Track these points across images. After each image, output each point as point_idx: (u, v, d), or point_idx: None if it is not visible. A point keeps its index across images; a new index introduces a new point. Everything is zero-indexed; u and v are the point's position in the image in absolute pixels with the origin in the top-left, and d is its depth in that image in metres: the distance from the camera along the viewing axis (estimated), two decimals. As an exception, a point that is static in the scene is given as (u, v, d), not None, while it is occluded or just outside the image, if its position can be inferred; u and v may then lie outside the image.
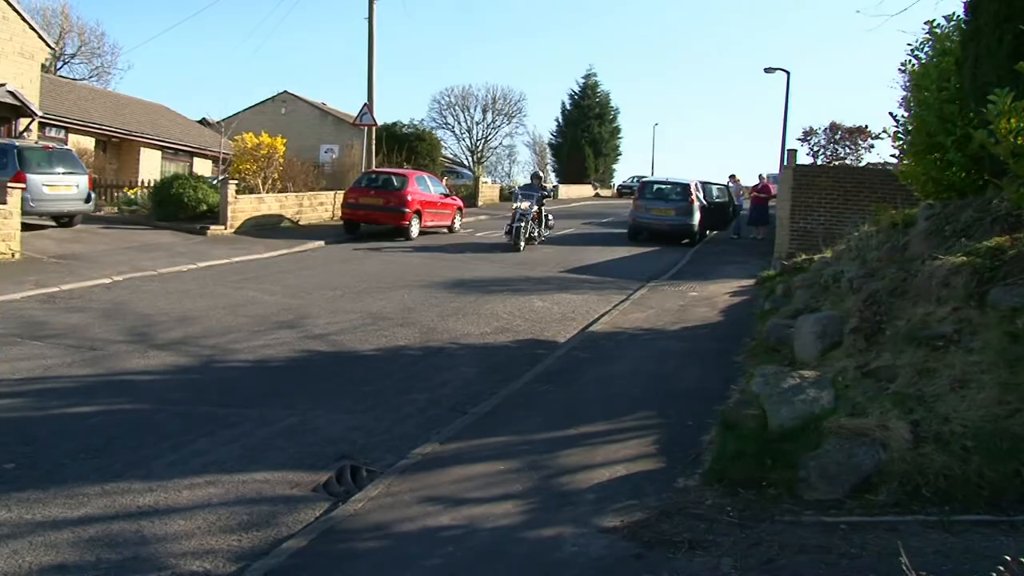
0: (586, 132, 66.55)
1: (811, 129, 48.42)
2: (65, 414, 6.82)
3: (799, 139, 48.54)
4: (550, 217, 22.91)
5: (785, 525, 4.75)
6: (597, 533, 4.71)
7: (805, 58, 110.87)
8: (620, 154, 72.38)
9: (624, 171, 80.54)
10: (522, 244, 20.00)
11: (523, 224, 20.10)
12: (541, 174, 24.73)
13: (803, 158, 38.77)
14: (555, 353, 9.51)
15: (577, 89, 69.44)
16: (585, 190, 58.98)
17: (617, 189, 62.73)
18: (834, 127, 47.67)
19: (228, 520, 4.91)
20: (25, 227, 15.62)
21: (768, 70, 33.89)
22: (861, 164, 38.89)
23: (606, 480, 5.60)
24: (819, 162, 42.84)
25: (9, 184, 15.58)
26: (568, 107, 69.05)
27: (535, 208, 21.17)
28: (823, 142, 47.99)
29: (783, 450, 5.53)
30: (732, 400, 7.02)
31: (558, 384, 8.13)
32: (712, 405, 7.19)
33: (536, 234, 21.39)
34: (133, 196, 24.30)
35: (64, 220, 19.05)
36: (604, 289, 14.58)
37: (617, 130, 70.95)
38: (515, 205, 21.15)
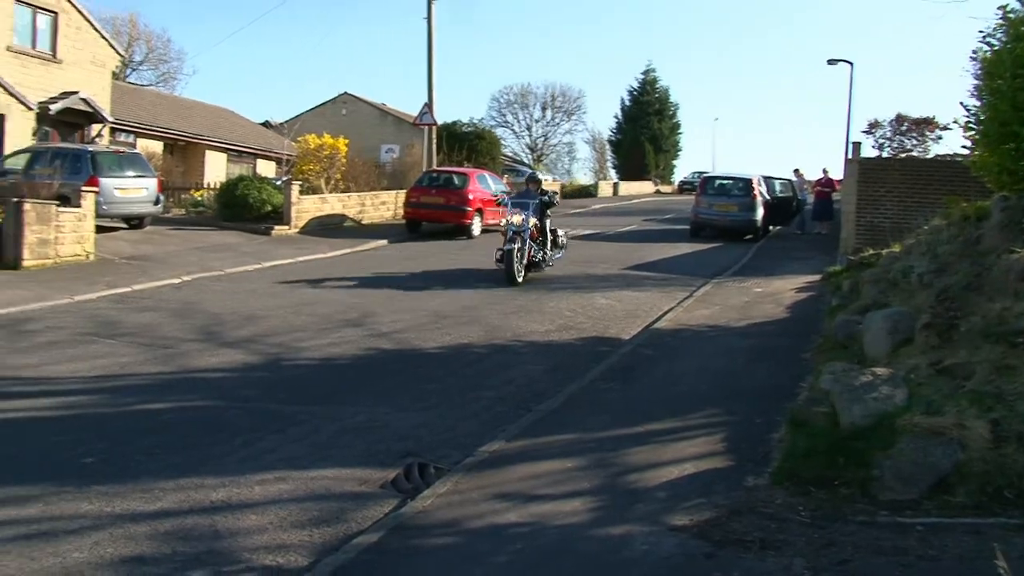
0: (646, 128, 66.08)
1: (876, 121, 47.39)
2: (140, 410, 7.00)
3: (864, 131, 47.48)
4: (560, 232, 16.49)
5: (859, 526, 4.67)
6: (667, 532, 4.67)
7: (869, 48, 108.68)
8: (680, 150, 71.86)
9: (684, 167, 80.00)
10: (519, 274, 14.27)
11: (517, 246, 14.25)
12: (540, 176, 18.29)
13: (868, 151, 37.99)
14: (620, 350, 9.45)
15: (636, 85, 69.07)
16: (645, 187, 58.62)
17: (678, 185, 62.19)
18: (900, 119, 46.54)
19: (299, 516, 4.97)
20: (98, 229, 16.05)
21: (831, 62, 33.31)
22: (928, 156, 37.95)
23: (674, 478, 5.56)
24: (885, 155, 41.94)
25: (83, 188, 16.05)
26: (627, 103, 68.67)
27: (533, 221, 14.98)
28: (889, 134, 46.89)
29: (855, 449, 5.43)
30: (801, 397, 6.93)
31: (623, 381, 8.09)
32: (780, 403, 7.10)
33: (540, 258, 15.31)
34: (200, 198, 24.80)
35: (134, 222, 19.51)
36: (667, 286, 14.46)
37: (677, 126, 70.38)
38: (505, 220, 15.02)
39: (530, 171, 18.44)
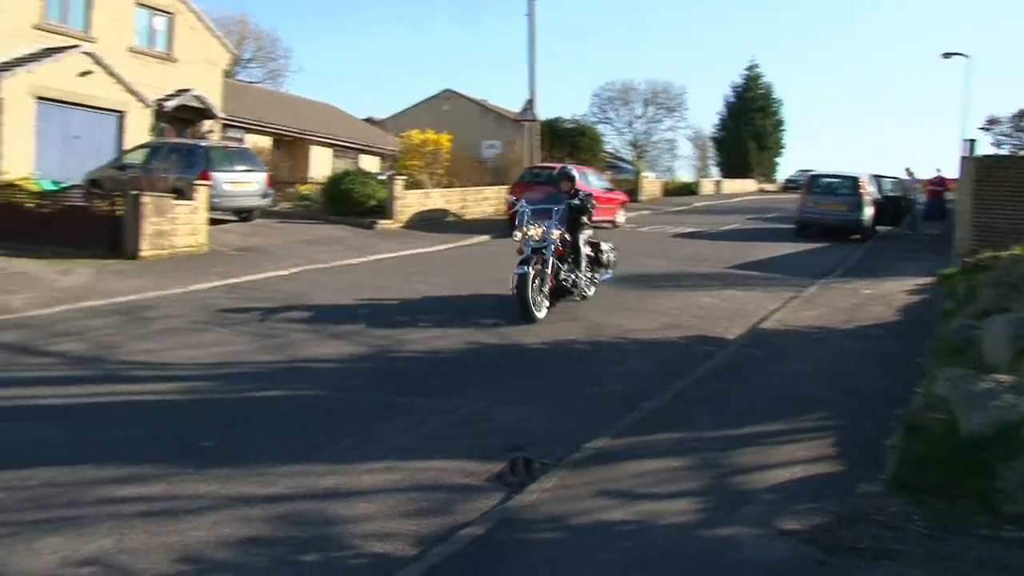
0: (749, 125, 64.95)
1: (995, 118, 45.52)
2: (253, 397, 7.23)
3: (981, 128, 45.71)
4: (605, 247, 12.33)
5: (981, 539, 4.49)
6: (776, 535, 4.58)
7: (987, 41, 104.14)
8: (783, 147, 70.37)
9: (787, 165, 78.37)
10: (539, 307, 10.55)
11: (534, 269, 10.39)
12: (575, 173, 12.45)
13: (986, 148, 36.52)
14: (725, 350, 9.31)
15: (739, 82, 67.93)
16: (747, 185, 57.63)
17: (783, 183, 60.97)
18: (1021, 114, 44.59)
19: (407, 505, 5.04)
20: (209, 221, 16.62)
21: (946, 55, 32.17)
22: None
23: (783, 481, 5.44)
24: (1004, 152, 40.24)
25: (196, 182, 16.64)
26: (731, 100, 67.57)
27: (557, 233, 10.91)
28: (1008, 131, 44.99)
29: (976, 458, 5.22)
30: (915, 403, 6.69)
31: (729, 381, 7.97)
32: (892, 407, 6.88)
33: (572, 282, 11.28)
34: (306, 192, 25.43)
35: (244, 215, 20.14)
36: (772, 286, 14.17)
37: (780, 122, 68.96)
38: (522, 233, 10.92)
39: (561, 166, 13.87)
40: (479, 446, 6.07)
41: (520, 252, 10.75)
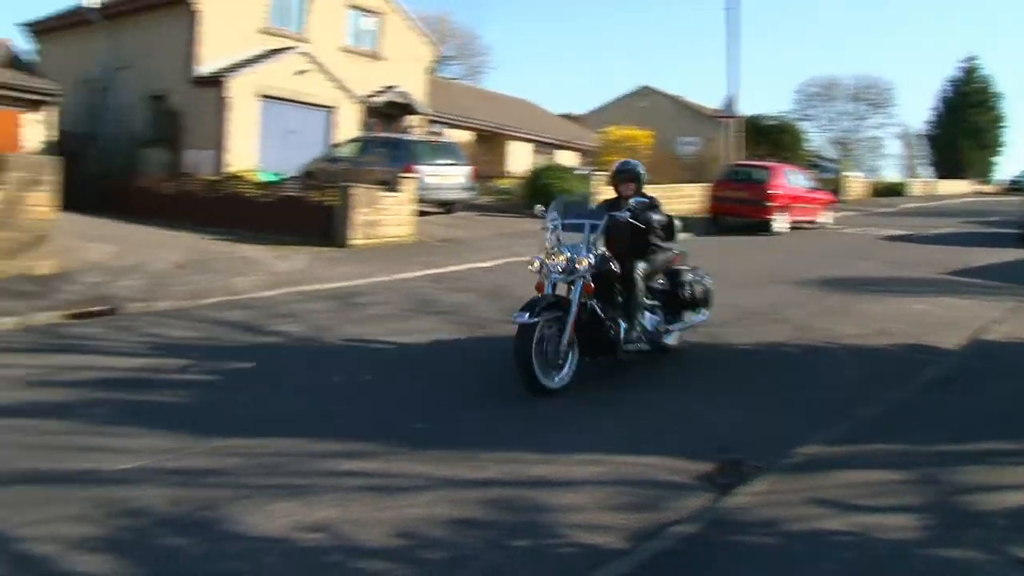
0: (964, 122, 60.71)
1: None
2: (464, 384, 7.44)
3: None
4: (687, 279, 8.40)
5: None
6: (1014, 563, 4.26)
7: None
8: (1002, 146, 65.18)
9: (1007, 165, 72.83)
10: (554, 372, 7.00)
11: (543, 317, 6.84)
12: (642, 170, 8.23)
13: None
14: (942, 361, 8.73)
15: (957, 76, 63.57)
16: (961, 186, 53.92)
17: (1008, 184, 56.62)
18: None
19: (616, 499, 5.03)
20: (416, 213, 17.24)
21: None
22: None
23: (1017, 506, 5.06)
24: None
25: (402, 175, 17.32)
26: (948, 95, 63.29)
27: (588, 261, 7.21)
28: None
29: None
30: None
31: (949, 394, 7.48)
32: None
33: (626, 330, 7.47)
34: (505, 186, 25.98)
35: (447, 207, 20.80)
36: (994, 294, 13.17)
37: (999, 119, 63.96)
38: (541, 260, 7.49)
39: (623, 160, 8.83)
40: (686, 444, 5.99)
41: (539, 288, 7.35)
